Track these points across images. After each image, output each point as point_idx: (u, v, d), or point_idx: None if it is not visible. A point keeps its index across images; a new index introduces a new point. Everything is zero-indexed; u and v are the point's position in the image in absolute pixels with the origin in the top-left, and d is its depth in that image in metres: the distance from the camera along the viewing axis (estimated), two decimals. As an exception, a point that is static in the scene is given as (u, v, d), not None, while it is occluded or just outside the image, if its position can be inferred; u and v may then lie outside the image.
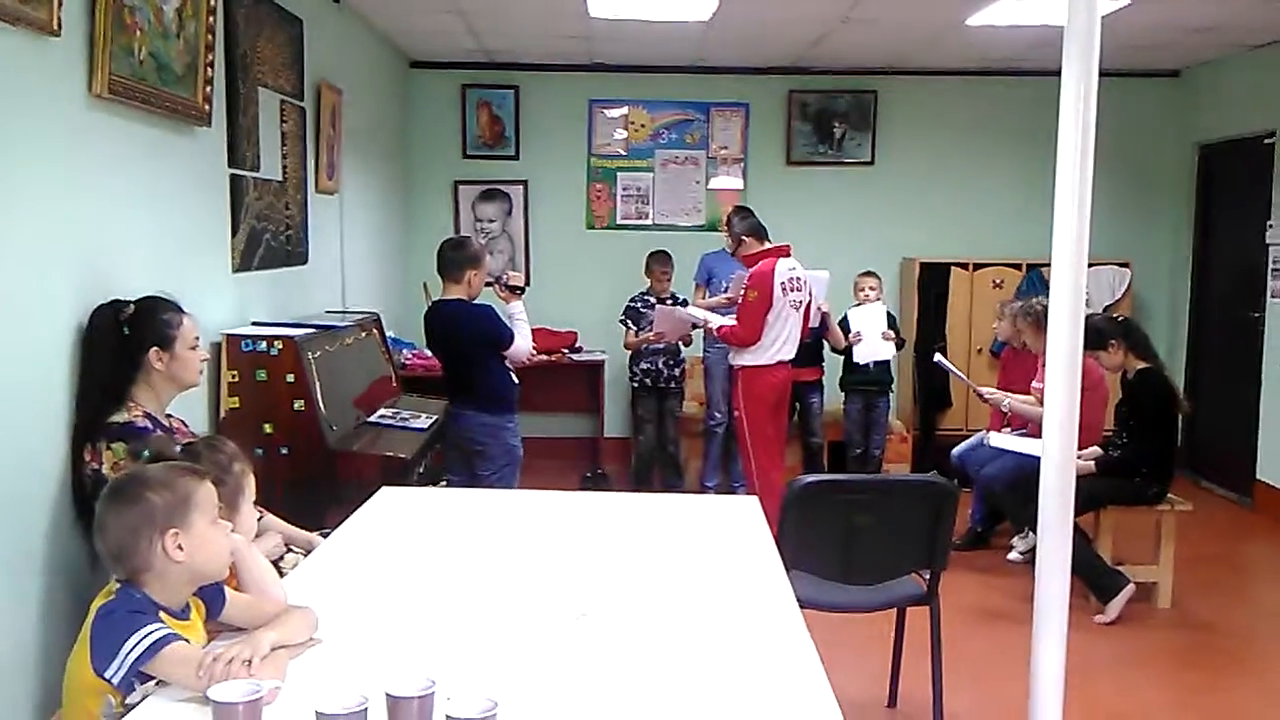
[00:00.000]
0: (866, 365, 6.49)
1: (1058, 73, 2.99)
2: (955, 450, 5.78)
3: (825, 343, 6.48)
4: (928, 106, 7.84)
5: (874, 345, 6.46)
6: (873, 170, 7.88)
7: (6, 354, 2.50)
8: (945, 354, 6.38)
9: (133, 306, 2.82)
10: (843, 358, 6.59)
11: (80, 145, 2.87)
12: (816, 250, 6.77)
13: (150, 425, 2.70)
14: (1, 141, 2.48)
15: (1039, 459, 2.73)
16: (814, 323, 6.04)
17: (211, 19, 3.58)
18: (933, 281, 7.56)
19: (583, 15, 5.93)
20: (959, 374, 6.01)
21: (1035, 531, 2.68)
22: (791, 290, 5.46)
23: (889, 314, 6.61)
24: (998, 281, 7.48)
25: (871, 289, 6.55)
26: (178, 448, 2.41)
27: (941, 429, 7.42)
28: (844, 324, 6.51)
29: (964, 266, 7.57)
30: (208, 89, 3.57)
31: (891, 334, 6.50)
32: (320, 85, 5.16)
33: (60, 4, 2.63)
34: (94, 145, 2.95)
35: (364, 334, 4.83)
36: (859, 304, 6.56)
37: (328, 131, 5.27)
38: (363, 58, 6.26)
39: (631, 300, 6.75)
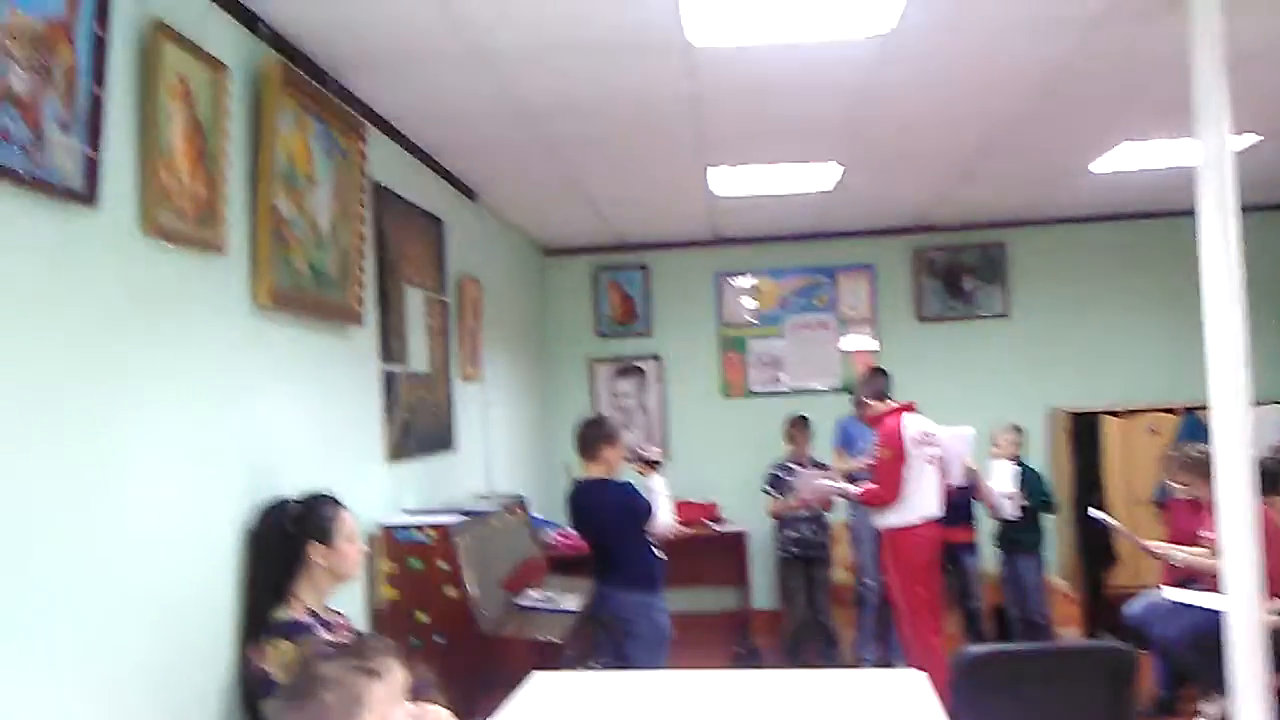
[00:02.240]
0: (1005, 521, 6.24)
1: (1193, 212, 2.95)
2: (1128, 609, 5.46)
3: (974, 501, 6.28)
4: (1059, 253, 7.76)
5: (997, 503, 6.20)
6: (1008, 322, 7.78)
7: (180, 552, 2.61)
8: (1102, 506, 6.09)
9: (295, 504, 2.93)
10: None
11: (245, 351, 3.05)
12: (958, 407, 6.64)
13: (313, 621, 2.76)
14: (176, 350, 2.66)
15: (1221, 614, 2.56)
16: (961, 481, 5.89)
17: (362, 226, 3.82)
18: (1084, 431, 7.31)
19: (706, 195, 6.12)
20: (1118, 527, 5.72)
21: (1226, 694, 2.49)
22: (924, 445, 5.39)
23: (1025, 469, 6.33)
24: (1154, 428, 7.19)
25: (1002, 444, 6.32)
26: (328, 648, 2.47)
27: (1110, 586, 7.03)
28: (986, 480, 6.32)
29: (1115, 414, 7.31)
30: (360, 291, 3.78)
31: (1016, 493, 6.20)
32: (461, 279, 5.42)
33: (226, 226, 2.85)
34: (258, 350, 3.13)
35: (511, 516, 4.90)
36: (993, 460, 6.35)
37: (470, 322, 5.50)
38: (500, 250, 6.56)
39: (772, 467, 6.71)
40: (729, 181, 5.82)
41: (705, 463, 7.73)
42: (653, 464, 4.92)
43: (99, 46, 2.25)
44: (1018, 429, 6.41)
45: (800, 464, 6.54)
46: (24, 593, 2.05)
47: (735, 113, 4.51)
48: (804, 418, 6.78)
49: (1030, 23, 3.55)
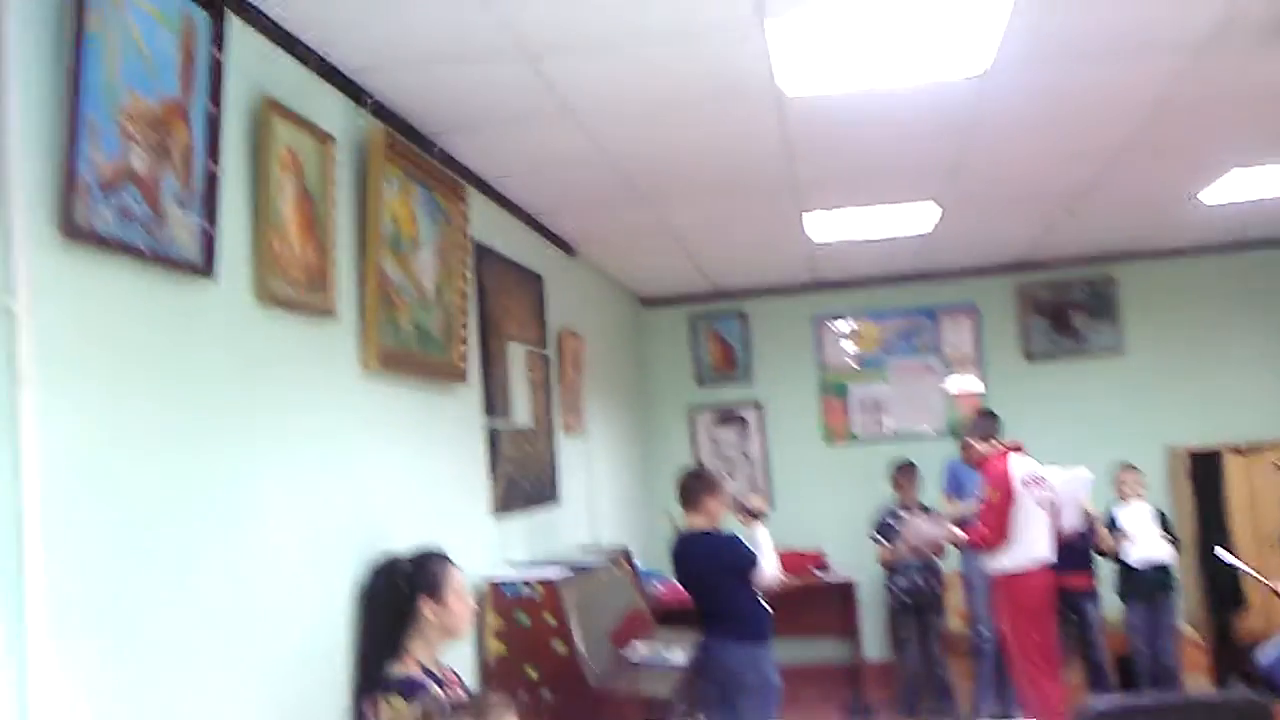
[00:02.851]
0: (1141, 568, 6.00)
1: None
2: (1260, 655, 5.19)
3: (1093, 546, 6.07)
4: (1173, 286, 7.52)
5: (1148, 546, 5.97)
6: (1121, 358, 7.55)
7: (293, 610, 2.66)
8: (1228, 547, 5.84)
9: (406, 561, 2.97)
10: (1117, 562, 6.12)
11: (355, 411, 3.12)
12: (1071, 447, 6.46)
13: (425, 678, 2.78)
14: (286, 411, 2.73)
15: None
16: (1078, 525, 5.71)
17: (465, 286, 3.89)
18: (1205, 469, 7.03)
19: (804, 241, 6.10)
20: (1245, 569, 5.47)
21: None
22: (1033, 486, 5.26)
23: (1160, 512, 6.13)
24: (1278, 464, 6.87)
25: (1133, 485, 6.13)
26: (447, 706, 2.48)
27: (1239, 632, 6.70)
28: (1111, 524, 6.09)
29: (1238, 451, 7.01)
30: (464, 349, 3.84)
31: (1161, 533, 5.99)
32: (562, 333, 5.47)
33: (336, 291, 2.93)
34: (367, 410, 3.20)
35: (616, 569, 4.89)
36: (1123, 502, 6.14)
37: (571, 375, 5.54)
38: (598, 302, 6.62)
39: (880, 513, 6.59)
40: (826, 226, 5.79)
41: (810, 510, 7.62)
42: (756, 514, 4.86)
43: (213, 124, 2.34)
44: (1134, 469, 6.19)
45: (908, 509, 6.41)
46: (147, 648, 2.10)
47: (829, 158, 4.49)
48: (910, 463, 6.66)
49: (1133, 51, 3.47)
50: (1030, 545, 5.26)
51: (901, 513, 6.42)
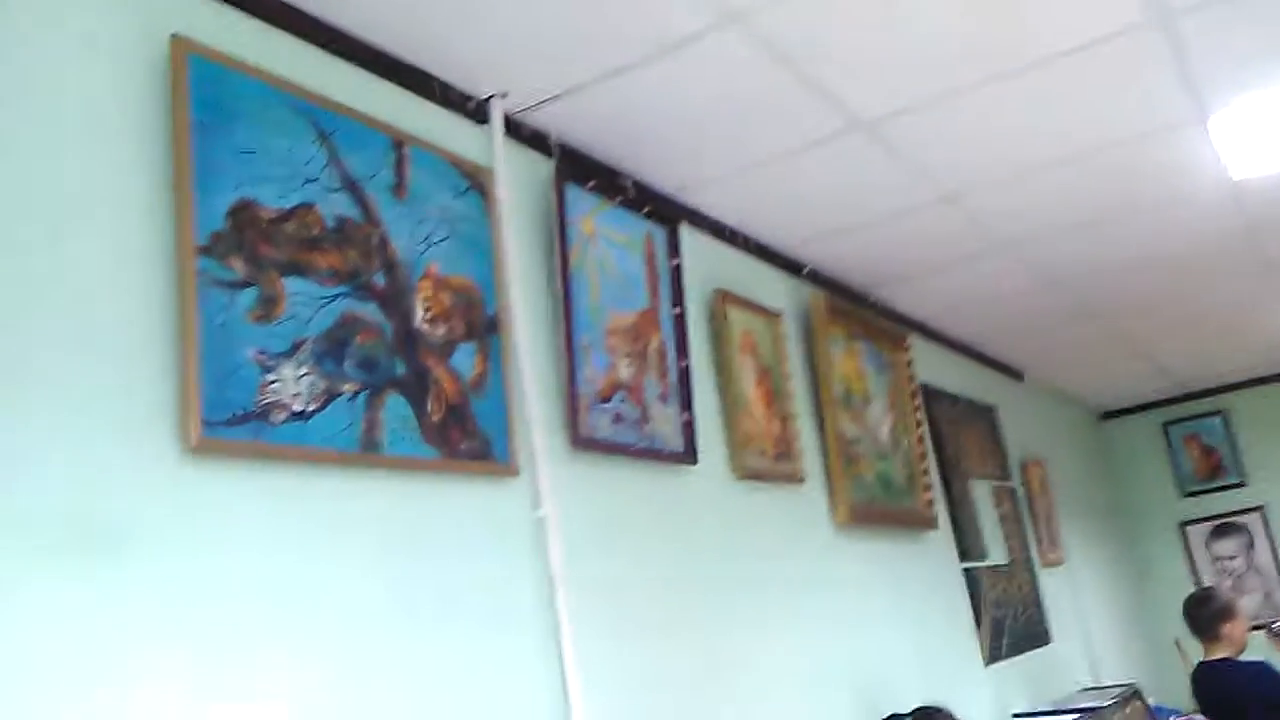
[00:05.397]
0: None
1: None
2: None
3: None
4: None
5: None
6: None
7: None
8: None
9: (908, 718, 2.93)
10: None
11: (833, 569, 3.18)
12: None
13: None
14: (768, 579, 2.82)
15: None
16: None
17: (919, 430, 3.89)
18: None
19: (1283, 323, 5.50)
20: None
21: None
22: None
23: None
24: None
25: None
26: None
27: None
28: None
29: None
30: (928, 494, 3.81)
31: None
32: (1023, 462, 5.25)
33: (802, 456, 3.05)
34: (844, 567, 3.24)
35: (1128, 709, 4.48)
36: None
37: (1040, 505, 5.28)
38: (1055, 423, 6.30)
39: None
40: (1309, 303, 5.18)
41: (1350, 625, 6.58)
42: (1291, 638, 4.30)
43: (679, 324, 2.58)
44: None
45: None
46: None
47: (1301, 232, 4.07)
48: None
49: None
50: None
51: None
